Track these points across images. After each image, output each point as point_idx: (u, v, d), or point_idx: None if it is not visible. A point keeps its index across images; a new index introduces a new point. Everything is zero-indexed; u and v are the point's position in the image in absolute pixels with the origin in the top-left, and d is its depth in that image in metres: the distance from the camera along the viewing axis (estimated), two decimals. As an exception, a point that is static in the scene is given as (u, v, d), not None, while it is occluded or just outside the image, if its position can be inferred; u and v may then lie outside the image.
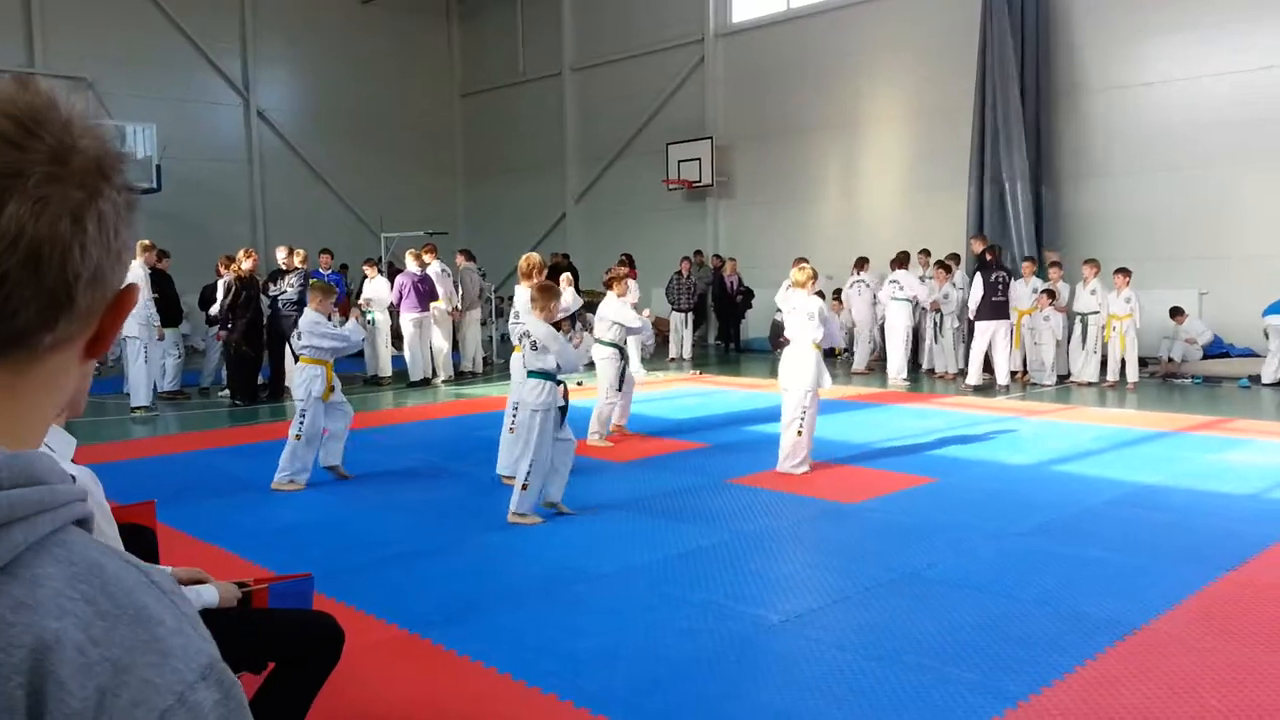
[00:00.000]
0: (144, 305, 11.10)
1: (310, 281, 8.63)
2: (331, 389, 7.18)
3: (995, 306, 12.03)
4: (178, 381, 12.48)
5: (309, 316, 7.25)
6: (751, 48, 18.64)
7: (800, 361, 7.29)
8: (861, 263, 14.49)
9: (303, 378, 7.15)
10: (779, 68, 18.07)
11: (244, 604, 2.79)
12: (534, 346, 6.05)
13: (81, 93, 18.76)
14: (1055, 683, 3.64)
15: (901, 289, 12.98)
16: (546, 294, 6.21)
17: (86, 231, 0.70)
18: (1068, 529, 5.75)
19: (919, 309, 13.37)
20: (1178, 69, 13.43)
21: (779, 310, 16.64)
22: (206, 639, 0.70)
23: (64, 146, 0.70)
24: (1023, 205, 14.28)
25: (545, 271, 7.40)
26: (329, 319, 7.39)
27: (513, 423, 6.80)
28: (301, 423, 7.07)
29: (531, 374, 6.06)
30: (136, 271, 11.24)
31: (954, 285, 13.22)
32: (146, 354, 10.99)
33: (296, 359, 7.55)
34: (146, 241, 11.79)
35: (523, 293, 6.96)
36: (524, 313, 6.54)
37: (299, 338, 7.30)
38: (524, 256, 7.27)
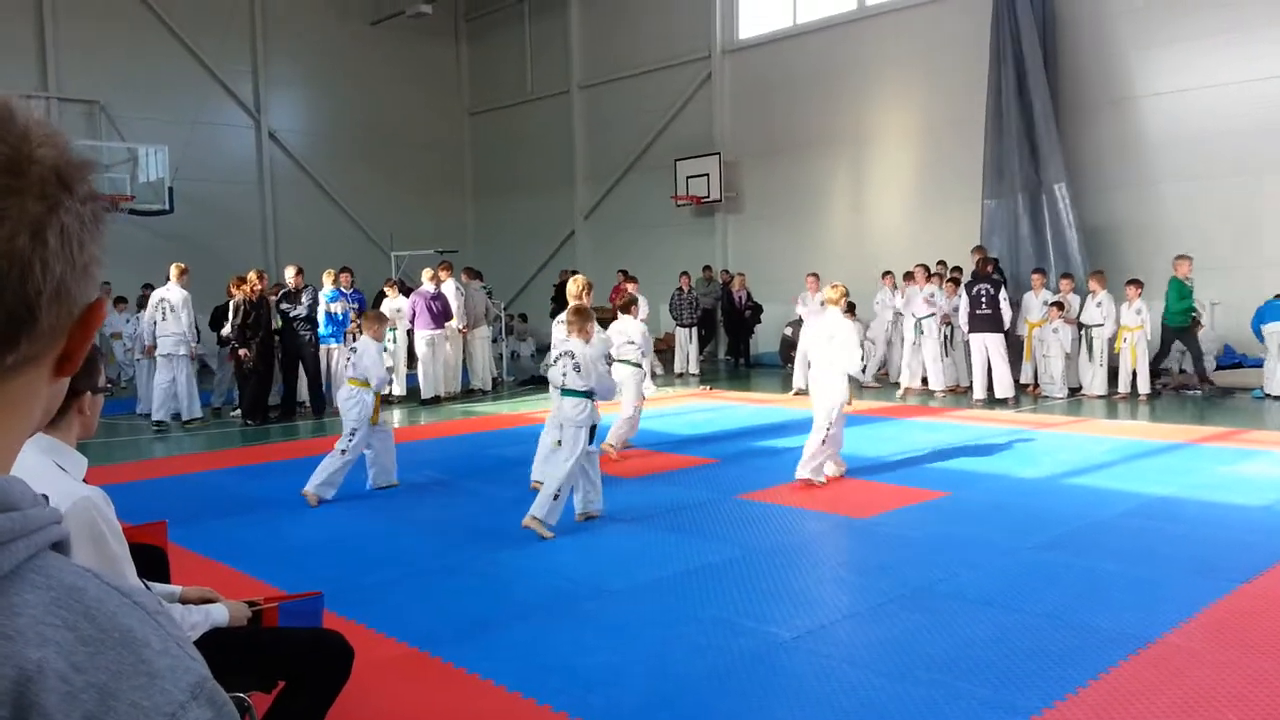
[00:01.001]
0: (186, 326, 11.52)
1: (365, 312, 8.81)
2: (377, 412, 7.38)
3: (980, 320, 12.10)
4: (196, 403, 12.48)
5: (368, 344, 7.44)
6: (759, 63, 18.71)
7: (830, 380, 7.42)
8: (883, 276, 14.47)
9: (354, 400, 7.29)
10: (786, 83, 18.14)
11: (254, 623, 2.80)
12: (576, 369, 6.20)
13: (95, 115, 18.98)
14: (1069, 697, 3.61)
15: (933, 298, 13.14)
16: (582, 316, 6.39)
17: (48, 245, 0.66)
18: (1080, 542, 5.72)
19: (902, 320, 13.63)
20: (1187, 79, 13.42)
21: (789, 326, 16.69)
22: (195, 658, 0.69)
23: (20, 156, 0.66)
24: (1034, 218, 14.28)
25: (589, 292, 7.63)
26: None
27: (559, 436, 6.83)
28: (351, 440, 7.22)
29: (568, 392, 6.20)
30: (179, 292, 11.43)
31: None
32: (187, 370, 11.64)
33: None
34: (183, 265, 11.99)
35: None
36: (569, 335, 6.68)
37: (353, 366, 7.48)
38: (573, 279, 7.51)
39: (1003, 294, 12.15)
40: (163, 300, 11.61)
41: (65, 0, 18.62)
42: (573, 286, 7.42)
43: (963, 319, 12.36)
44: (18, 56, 18.22)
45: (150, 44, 19.64)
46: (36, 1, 18.35)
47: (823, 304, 8.11)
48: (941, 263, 14.23)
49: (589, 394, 6.19)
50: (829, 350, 7.43)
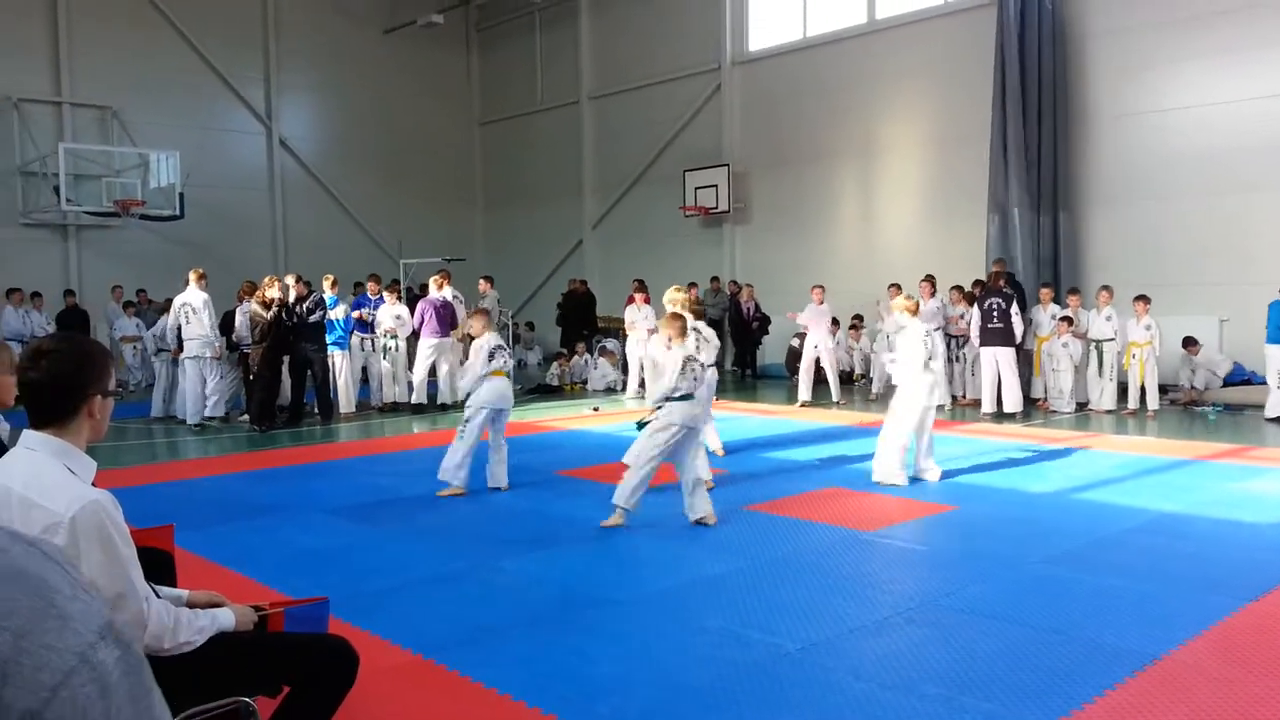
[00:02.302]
0: (209, 327, 11.86)
1: (476, 308, 9.04)
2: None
3: (990, 333, 12.10)
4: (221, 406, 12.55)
5: (491, 338, 7.82)
6: (768, 75, 18.76)
7: (916, 384, 7.86)
8: (894, 289, 14.31)
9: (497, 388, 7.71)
10: (796, 95, 18.17)
11: (260, 627, 2.81)
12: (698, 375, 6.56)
13: (107, 121, 19.09)
14: (1074, 713, 3.60)
15: (964, 319, 13.06)
16: (671, 322, 6.68)
17: None
18: (1087, 558, 5.70)
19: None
20: (1196, 95, 13.42)
21: (795, 336, 16.67)
22: (101, 602, 0.73)
23: None
24: (1039, 232, 14.27)
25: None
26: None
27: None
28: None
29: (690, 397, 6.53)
30: (199, 295, 11.60)
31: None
32: (220, 371, 12.11)
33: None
34: (201, 270, 12.22)
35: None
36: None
37: (491, 356, 7.77)
38: (671, 290, 7.93)
39: (1014, 308, 12.13)
40: (185, 305, 11.90)
41: (80, 6, 18.75)
42: (680, 295, 7.78)
43: (974, 332, 12.34)
44: (33, 62, 18.36)
45: (163, 50, 19.77)
46: (51, 7, 18.48)
47: (899, 314, 8.30)
48: (958, 287, 14.06)
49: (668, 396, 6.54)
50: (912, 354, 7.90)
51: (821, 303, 13.67)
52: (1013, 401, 12.04)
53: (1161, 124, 13.76)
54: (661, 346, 6.84)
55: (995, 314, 12.11)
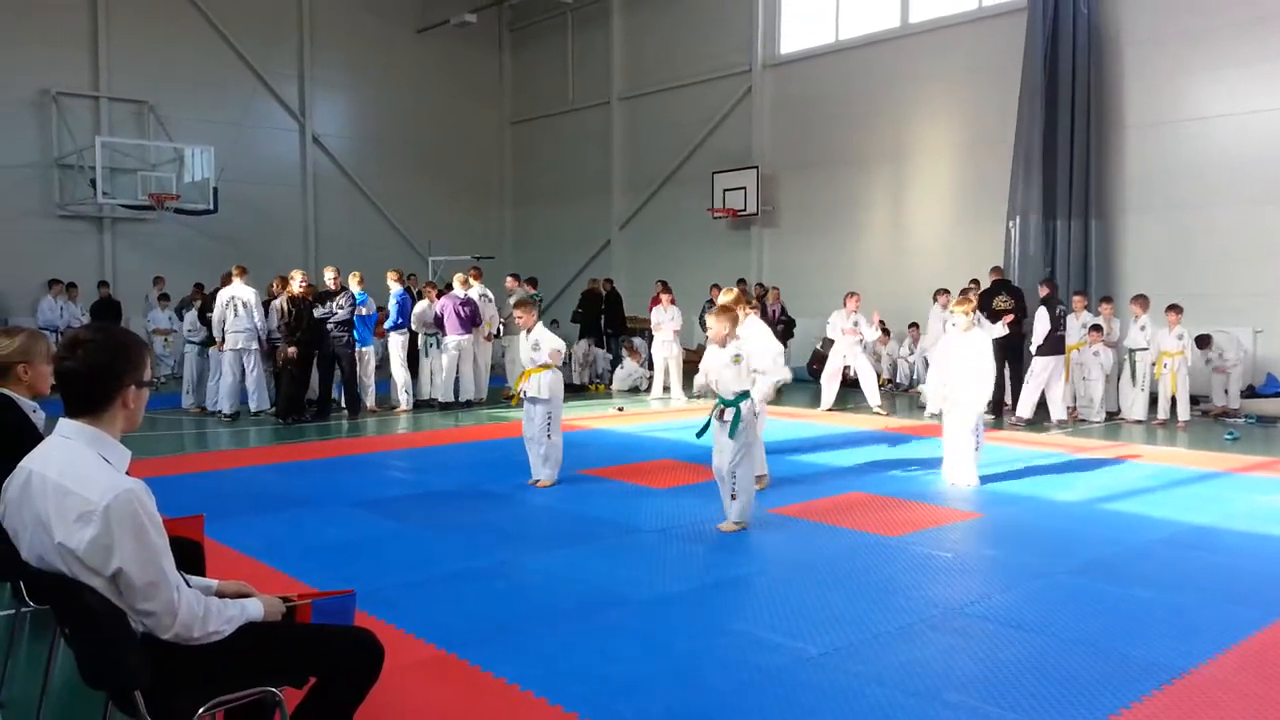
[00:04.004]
0: (259, 320, 12.14)
1: (524, 300, 9.16)
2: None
3: (1057, 341, 11.86)
4: (256, 399, 12.62)
5: (545, 331, 8.08)
6: (799, 78, 18.70)
7: (976, 389, 8.06)
8: (936, 294, 13.94)
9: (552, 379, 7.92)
10: (826, 98, 18.11)
11: (287, 618, 2.83)
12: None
13: (144, 115, 19.33)
14: (1100, 725, 3.56)
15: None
16: (720, 315, 6.63)
17: None
18: (1115, 568, 5.64)
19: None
20: (1236, 103, 13.24)
21: (820, 341, 16.59)
22: None
23: None
24: (1069, 239, 14.14)
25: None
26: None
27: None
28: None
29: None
30: (247, 290, 12.01)
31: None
32: (258, 364, 12.30)
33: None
34: (243, 265, 12.49)
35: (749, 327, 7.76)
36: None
37: (536, 347, 7.94)
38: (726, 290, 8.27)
39: (1038, 314, 11.96)
40: (233, 298, 12.14)
41: (119, 2, 19.01)
42: (728, 297, 7.81)
43: (1039, 339, 11.83)
44: (73, 58, 18.63)
45: (200, 47, 20.01)
46: (91, 4, 18.74)
47: (966, 325, 8.25)
48: (944, 291, 13.82)
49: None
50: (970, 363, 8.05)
51: (856, 310, 13.28)
52: (1061, 410, 12.00)
53: (1199, 132, 13.58)
54: (732, 347, 6.55)
55: (1063, 321, 11.97)
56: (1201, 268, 13.44)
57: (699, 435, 6.82)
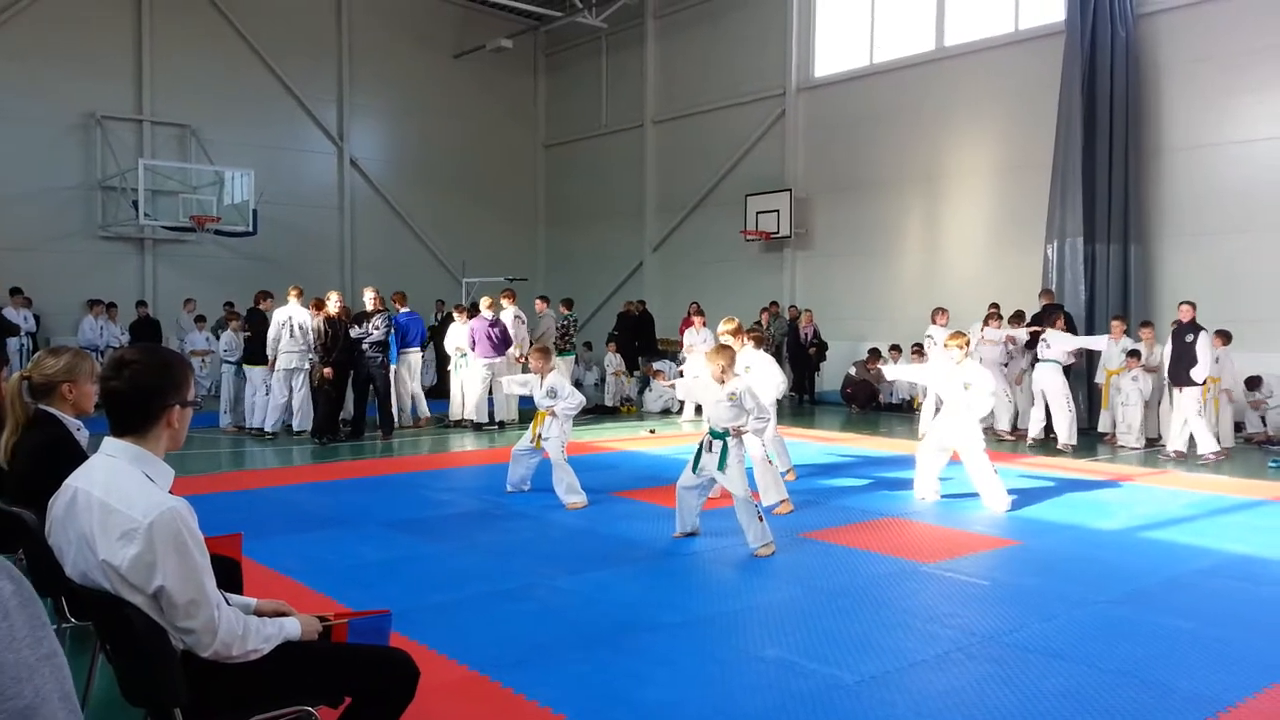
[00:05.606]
0: (313, 342, 12.15)
1: (535, 347, 9.21)
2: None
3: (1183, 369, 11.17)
4: (279, 420, 12.75)
5: (564, 382, 8.31)
6: (833, 101, 18.71)
7: (968, 425, 8.17)
8: (990, 318, 13.38)
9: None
10: (860, 121, 18.10)
11: (324, 638, 2.85)
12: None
13: (185, 139, 19.70)
14: (1142, 759, 3.49)
15: (1049, 348, 12.15)
16: (718, 354, 6.65)
17: None
18: (1156, 598, 5.53)
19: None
20: (1274, 126, 13.08)
21: (853, 365, 16.50)
22: None
23: None
24: (1107, 264, 13.99)
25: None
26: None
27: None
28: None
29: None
30: (303, 311, 12.15)
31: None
32: (305, 384, 12.43)
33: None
34: (300, 287, 12.69)
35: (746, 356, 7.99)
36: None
37: (551, 395, 8.13)
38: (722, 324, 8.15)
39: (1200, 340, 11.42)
40: (289, 319, 12.27)
41: (162, 27, 19.42)
42: (728, 327, 7.93)
43: (1167, 368, 11.35)
44: (117, 82, 19.04)
45: (241, 71, 20.38)
46: (135, 29, 19.16)
47: (960, 358, 8.22)
48: (995, 308, 13.67)
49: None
50: (964, 396, 8.11)
51: (945, 325, 12.80)
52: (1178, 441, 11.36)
53: (1243, 155, 13.41)
54: (720, 379, 6.59)
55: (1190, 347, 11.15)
56: (1246, 293, 13.23)
57: (695, 470, 6.68)
